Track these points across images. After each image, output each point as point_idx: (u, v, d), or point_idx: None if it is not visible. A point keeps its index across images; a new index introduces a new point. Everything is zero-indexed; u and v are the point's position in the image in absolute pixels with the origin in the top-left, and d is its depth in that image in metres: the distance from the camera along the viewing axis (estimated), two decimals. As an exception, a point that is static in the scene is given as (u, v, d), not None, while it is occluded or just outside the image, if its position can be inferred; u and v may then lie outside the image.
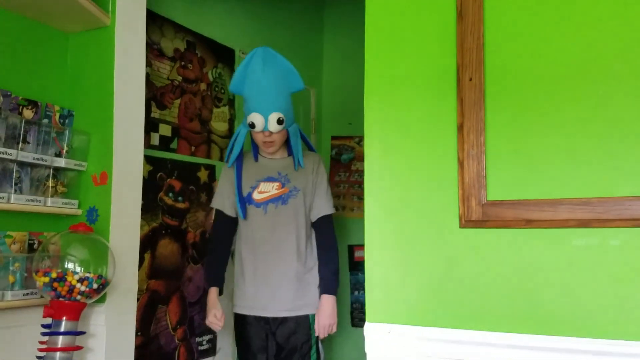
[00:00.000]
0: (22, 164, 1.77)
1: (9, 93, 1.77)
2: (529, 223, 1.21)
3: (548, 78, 1.25)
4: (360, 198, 3.60)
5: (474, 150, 1.29)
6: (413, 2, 1.40)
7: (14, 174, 1.75)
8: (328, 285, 2.21)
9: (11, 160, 1.73)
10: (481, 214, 1.27)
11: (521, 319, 1.21)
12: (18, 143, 1.74)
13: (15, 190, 1.75)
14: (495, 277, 1.25)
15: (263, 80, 2.01)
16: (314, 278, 2.23)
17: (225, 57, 2.98)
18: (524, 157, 1.25)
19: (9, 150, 1.70)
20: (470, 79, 1.30)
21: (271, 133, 2.11)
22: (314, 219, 2.26)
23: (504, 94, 1.28)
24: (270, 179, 2.22)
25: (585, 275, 1.16)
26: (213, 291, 2.23)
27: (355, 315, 3.61)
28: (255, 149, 2.25)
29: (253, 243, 2.21)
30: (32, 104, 1.86)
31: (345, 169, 3.78)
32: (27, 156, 1.76)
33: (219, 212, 2.30)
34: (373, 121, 1.42)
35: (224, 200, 2.27)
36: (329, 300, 2.19)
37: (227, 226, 2.28)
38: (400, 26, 1.41)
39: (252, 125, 2.08)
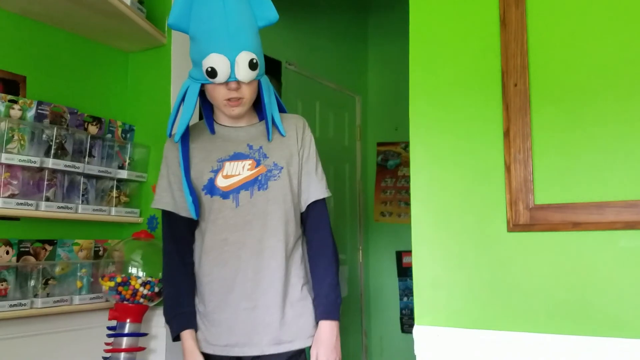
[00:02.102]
0: (88, 177, 1.90)
1: (75, 110, 1.90)
2: (576, 226, 1.22)
3: (593, 81, 1.26)
4: (407, 204, 3.62)
5: (520, 154, 1.31)
6: (456, 10, 1.43)
7: (81, 185, 1.87)
8: (328, 306, 1.54)
9: (78, 173, 1.86)
10: (529, 218, 1.29)
11: (570, 320, 1.22)
12: (84, 157, 1.87)
13: (83, 201, 1.88)
14: (544, 280, 1.26)
15: (224, 5, 1.39)
16: (308, 296, 1.58)
17: (271, 68, 3.07)
18: (570, 161, 1.27)
19: (77, 164, 1.83)
20: (515, 85, 1.32)
21: (239, 84, 1.43)
22: (304, 207, 1.59)
23: (549, 98, 1.30)
24: (238, 156, 1.52)
25: (633, 276, 1.16)
26: (188, 337, 1.51)
27: (405, 322, 3.62)
28: (209, 116, 1.56)
29: (220, 250, 1.51)
30: (97, 120, 1.98)
31: (391, 175, 3.80)
32: (93, 169, 1.89)
33: (169, 216, 1.55)
34: (418, 127, 1.45)
35: (173, 195, 1.54)
36: (330, 328, 1.54)
37: (185, 233, 1.57)
38: (444, 34, 1.45)
39: (212, 73, 1.38)
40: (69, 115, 1.88)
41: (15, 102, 1.71)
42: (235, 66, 1.39)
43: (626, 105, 1.22)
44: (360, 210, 3.85)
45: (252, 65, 1.41)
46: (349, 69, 3.90)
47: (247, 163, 1.52)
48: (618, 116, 1.22)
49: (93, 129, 1.97)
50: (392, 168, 3.81)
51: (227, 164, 1.52)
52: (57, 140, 1.78)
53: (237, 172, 1.51)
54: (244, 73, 1.41)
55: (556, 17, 1.30)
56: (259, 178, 1.51)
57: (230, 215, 1.50)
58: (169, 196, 1.54)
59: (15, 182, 1.69)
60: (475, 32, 1.39)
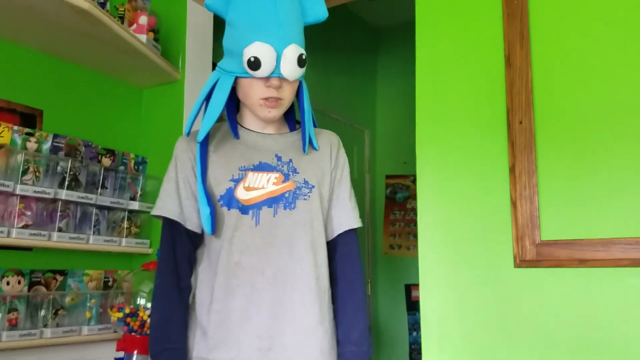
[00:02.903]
0: (100, 208, 1.93)
1: (90, 143, 1.94)
2: (583, 262, 1.23)
3: (598, 119, 1.28)
4: (416, 237, 3.62)
5: (526, 191, 1.32)
6: (462, 50, 1.47)
7: (93, 217, 1.90)
8: (359, 356, 1.29)
9: (91, 204, 1.89)
10: (535, 254, 1.30)
11: (577, 356, 1.21)
12: (97, 188, 1.90)
13: (94, 232, 1.90)
14: (551, 316, 1.26)
15: None
16: (336, 345, 1.31)
17: (283, 102, 3.12)
18: (576, 198, 1.28)
19: (90, 195, 1.86)
20: (520, 122, 1.34)
21: (281, 82, 1.24)
22: (332, 236, 1.36)
23: (554, 136, 1.32)
24: (264, 167, 1.30)
25: (639, 314, 1.16)
26: None
27: (414, 357, 3.58)
28: (233, 116, 1.35)
29: (231, 275, 1.25)
30: (110, 152, 2.03)
31: (400, 208, 3.81)
32: (105, 200, 1.92)
33: (171, 228, 1.30)
34: (425, 163, 1.48)
35: (180, 203, 1.30)
36: None
37: (188, 251, 1.32)
38: (450, 71, 1.48)
39: (254, 65, 1.19)
40: (83, 148, 1.92)
41: (32, 134, 1.76)
42: (282, 60, 1.20)
43: (631, 143, 1.24)
44: (369, 243, 3.84)
45: (301, 62, 1.23)
46: (357, 102, 3.96)
47: (274, 176, 1.29)
48: (623, 154, 1.24)
49: (107, 161, 2.01)
50: (401, 201, 3.82)
51: (250, 174, 1.28)
52: (72, 172, 1.82)
53: (260, 184, 1.29)
54: (291, 69, 1.21)
55: (561, 57, 1.33)
56: (286, 195, 1.28)
57: (247, 235, 1.25)
58: (175, 203, 1.29)
59: (29, 213, 1.72)
60: (481, 70, 1.42)
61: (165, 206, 1.30)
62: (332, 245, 1.36)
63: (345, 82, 3.80)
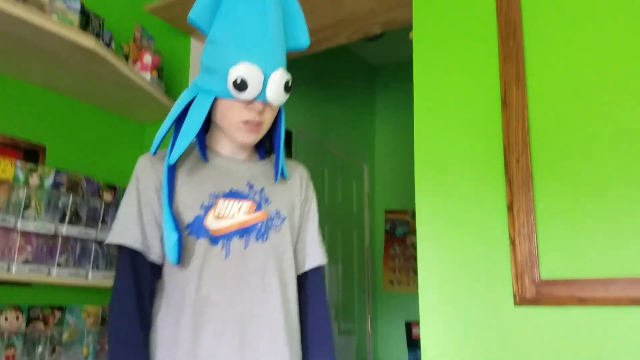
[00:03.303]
0: (100, 243, 1.93)
1: (91, 178, 1.96)
2: (582, 301, 1.23)
3: (595, 157, 1.30)
4: (417, 273, 3.60)
5: (524, 229, 1.33)
6: (459, 89, 1.50)
7: (93, 252, 1.90)
8: None
9: (91, 240, 1.89)
10: (535, 293, 1.30)
11: (580, 399, 1.20)
12: (98, 224, 1.91)
13: (93, 268, 1.90)
14: (551, 355, 1.25)
15: (266, 12, 1.15)
16: None
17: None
18: (574, 236, 1.29)
19: (90, 231, 1.87)
20: (517, 161, 1.36)
21: (265, 106, 1.18)
22: (298, 272, 1.30)
23: (551, 174, 1.34)
24: (235, 195, 1.22)
25: (639, 353, 1.16)
26: None
27: (414, 395, 3.52)
28: (202, 139, 1.26)
29: (199, 311, 1.15)
30: (112, 187, 2.04)
31: (400, 243, 3.81)
32: (105, 235, 1.92)
33: (132, 258, 1.18)
34: (424, 202, 1.49)
35: (142, 229, 1.18)
36: None
37: (151, 284, 1.20)
38: (447, 111, 1.51)
39: (241, 86, 1.12)
40: (85, 183, 1.93)
41: (35, 170, 1.78)
42: (269, 84, 1.14)
43: (629, 181, 1.25)
44: (368, 278, 3.83)
45: (287, 88, 1.17)
46: (357, 137, 4.00)
47: (246, 205, 1.22)
48: (621, 192, 1.25)
49: (108, 196, 2.02)
50: (401, 236, 3.82)
51: (221, 201, 1.20)
52: (72, 208, 1.83)
53: (231, 213, 1.20)
54: (277, 94, 1.16)
55: (557, 97, 1.36)
56: (259, 226, 1.21)
57: (217, 267, 1.17)
58: (136, 229, 1.17)
59: (29, 248, 1.72)
60: (478, 110, 1.45)
61: (126, 233, 1.17)
62: (299, 282, 1.30)
63: (344, 117, 3.85)
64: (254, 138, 1.21)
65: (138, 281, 1.18)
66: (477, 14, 1.49)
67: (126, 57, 1.89)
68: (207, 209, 1.19)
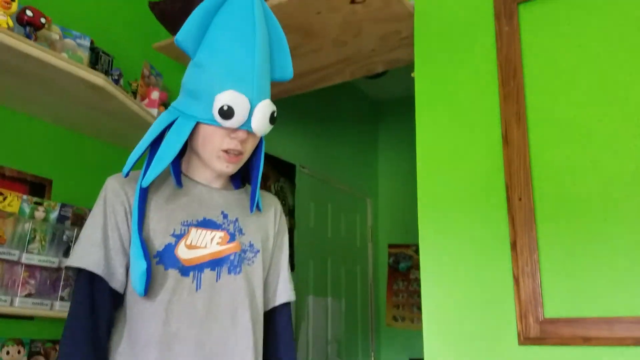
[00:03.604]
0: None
1: (96, 212, 1.97)
2: (587, 341, 1.22)
3: (597, 196, 1.31)
4: (420, 308, 3.57)
5: (528, 267, 1.33)
6: (461, 127, 1.52)
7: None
8: None
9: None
10: (539, 332, 1.29)
11: None
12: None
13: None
14: (557, 397, 1.24)
15: (255, 41, 1.13)
16: None
17: (286, 171, 3.18)
18: (578, 274, 1.28)
19: (93, 264, 1.87)
20: (520, 199, 1.37)
21: (249, 136, 1.15)
22: (266, 307, 1.26)
23: (554, 212, 1.34)
24: (208, 224, 1.17)
25: (645, 397, 1.15)
26: None
27: None
28: (176, 164, 1.20)
29: (166, 348, 1.08)
30: (116, 221, 2.05)
31: (403, 278, 3.78)
32: (109, 269, 1.92)
33: (92, 284, 1.09)
34: (427, 241, 1.49)
35: (106, 254, 1.10)
36: None
37: (109, 314, 1.11)
38: (449, 149, 1.52)
39: (227, 114, 1.09)
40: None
41: (41, 204, 1.79)
42: (255, 113, 1.11)
43: (631, 220, 1.25)
44: (372, 314, 3.79)
45: (272, 119, 1.15)
46: (360, 172, 4.02)
47: (218, 235, 1.16)
48: (624, 231, 1.26)
49: (112, 230, 2.03)
50: (404, 270, 3.80)
51: (193, 230, 1.14)
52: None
53: (203, 243, 1.14)
54: (262, 124, 1.13)
55: (558, 136, 1.38)
56: (231, 258, 1.16)
57: (187, 300, 1.10)
58: (100, 254, 1.09)
59: (32, 282, 1.73)
60: (480, 148, 1.47)
61: (89, 257, 1.09)
62: (269, 318, 1.26)
63: (347, 152, 3.88)
64: (233, 167, 1.17)
65: (95, 310, 1.08)
66: (477, 54, 1.53)
67: (134, 94, 1.92)
68: (179, 237, 1.13)
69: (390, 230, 3.96)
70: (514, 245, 1.35)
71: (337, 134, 3.78)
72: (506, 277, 1.36)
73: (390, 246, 3.92)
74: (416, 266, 3.75)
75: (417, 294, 3.68)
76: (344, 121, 3.88)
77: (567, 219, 1.33)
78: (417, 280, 3.71)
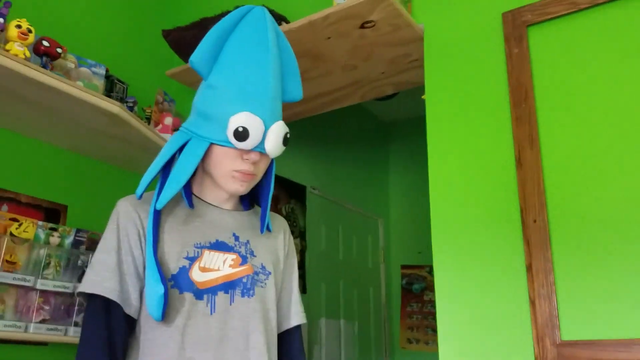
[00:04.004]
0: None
1: (110, 237, 1.99)
2: (606, 365, 1.20)
3: (613, 217, 1.30)
4: (435, 330, 3.53)
5: (544, 289, 1.32)
6: (472, 149, 1.52)
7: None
8: None
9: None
10: (556, 355, 1.27)
11: None
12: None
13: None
14: (577, 423, 1.22)
15: (268, 63, 1.14)
16: None
17: (297, 193, 3.18)
18: (595, 297, 1.27)
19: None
20: (535, 221, 1.36)
21: (261, 157, 1.15)
22: (281, 330, 1.26)
23: (569, 234, 1.33)
24: (220, 246, 1.16)
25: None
26: None
27: None
28: (187, 185, 1.19)
29: None
30: (129, 246, 2.06)
31: (417, 300, 3.75)
32: (122, 295, 1.93)
33: (107, 310, 1.07)
34: (442, 262, 1.49)
35: (120, 279, 1.09)
36: None
37: (124, 341, 1.09)
38: (462, 171, 1.52)
39: (242, 135, 1.09)
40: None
41: (56, 229, 1.81)
42: (268, 135, 1.12)
43: (646, 242, 1.24)
44: (386, 337, 3.75)
45: (285, 141, 1.16)
46: (370, 192, 4.02)
47: (230, 257, 1.15)
48: None
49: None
50: (418, 292, 3.77)
51: (206, 252, 1.13)
52: (91, 266, 1.85)
53: (216, 266, 1.13)
54: (275, 146, 1.13)
55: (572, 157, 1.38)
56: (244, 280, 1.15)
57: (202, 324, 1.08)
58: (114, 280, 1.07)
59: (47, 307, 1.73)
60: (493, 170, 1.47)
61: (103, 283, 1.06)
62: (282, 341, 1.25)
63: (357, 173, 3.88)
64: (246, 187, 1.16)
65: (111, 337, 1.06)
66: (487, 76, 1.53)
67: (148, 120, 1.95)
68: (193, 260, 1.12)
69: (402, 251, 3.93)
70: (529, 268, 1.34)
71: (347, 155, 3.79)
72: (522, 300, 1.35)
73: (403, 267, 3.90)
74: (430, 287, 3.72)
75: (432, 315, 3.64)
76: (354, 142, 3.89)
77: (583, 240, 1.32)
78: (431, 302, 3.67)
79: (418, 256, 3.82)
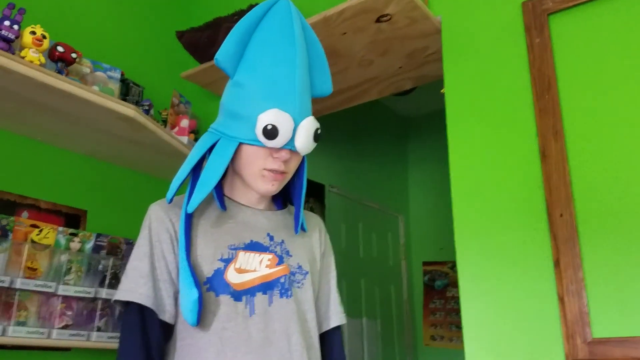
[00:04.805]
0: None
1: (131, 241, 1.98)
2: (641, 363, 1.16)
3: (642, 209, 1.25)
4: (459, 327, 3.48)
5: (573, 285, 1.28)
6: (495, 142, 1.48)
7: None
8: None
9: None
10: (588, 353, 1.23)
11: None
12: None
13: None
14: None
15: (295, 59, 1.10)
16: None
17: (315, 192, 3.16)
18: (627, 291, 1.23)
19: (129, 294, 1.87)
20: (561, 215, 1.32)
21: (292, 155, 1.12)
22: (321, 331, 1.22)
23: (597, 228, 1.29)
24: (255, 247, 1.14)
25: None
26: None
27: None
28: (219, 186, 1.17)
29: None
30: (149, 249, 2.06)
31: (440, 296, 3.71)
32: (144, 298, 1.92)
33: (143, 317, 1.06)
34: (466, 258, 1.45)
35: (154, 285, 1.07)
36: None
37: (161, 348, 1.08)
38: (484, 164, 1.49)
39: (271, 133, 1.06)
40: (124, 245, 1.96)
41: (76, 235, 1.81)
42: (298, 132, 1.08)
43: (679, 234, 1.20)
44: (409, 334, 3.72)
45: (317, 137, 1.12)
46: (390, 188, 3.98)
47: (267, 258, 1.12)
48: (672, 245, 1.20)
49: (146, 258, 2.04)
50: (440, 288, 3.72)
51: (241, 253, 1.10)
52: (112, 270, 1.85)
53: (253, 266, 1.10)
54: (306, 142, 1.09)
55: (597, 148, 1.33)
56: (282, 280, 1.12)
57: (242, 327, 1.05)
58: (148, 286, 1.05)
59: (69, 313, 1.74)
60: (516, 163, 1.43)
61: (137, 289, 1.05)
62: (322, 343, 1.21)
63: (377, 169, 3.85)
64: (277, 186, 1.13)
65: (148, 344, 1.04)
66: (508, 67, 1.49)
67: (164, 122, 1.94)
68: (228, 261, 1.09)
69: (424, 248, 3.89)
70: (557, 264, 1.30)
71: (366, 152, 3.76)
72: (550, 297, 1.31)
73: (425, 264, 3.85)
74: (453, 284, 3.68)
75: (455, 312, 3.59)
76: (372, 139, 3.85)
77: (612, 234, 1.27)
78: (455, 299, 3.63)
79: (440, 252, 3.78)
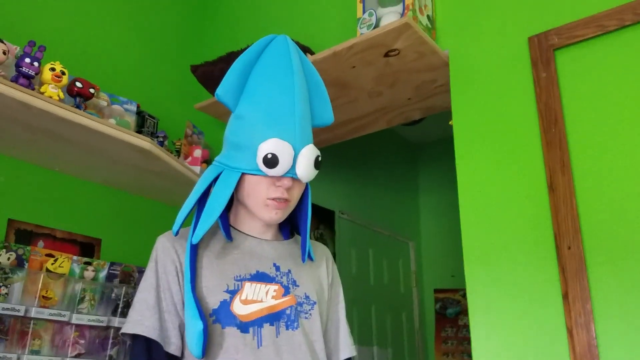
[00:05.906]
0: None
1: (144, 269, 2.01)
2: (652, 399, 1.15)
3: (651, 242, 1.26)
4: (471, 356, 3.45)
5: (581, 318, 1.28)
6: (503, 174, 1.49)
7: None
8: None
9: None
10: (598, 387, 1.23)
11: None
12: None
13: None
14: None
15: (294, 89, 1.12)
16: None
17: (325, 218, 3.18)
18: (635, 324, 1.22)
19: (141, 322, 1.89)
20: (569, 248, 1.33)
21: (294, 183, 1.13)
22: None
23: (606, 260, 1.30)
24: (262, 277, 1.14)
25: None
26: None
27: None
28: (224, 217, 1.18)
29: None
30: (162, 278, 2.08)
31: (452, 324, 3.68)
32: (156, 327, 1.94)
33: (148, 349, 1.06)
34: (475, 289, 1.46)
35: (160, 317, 1.07)
36: None
37: None
38: (492, 196, 1.50)
39: (272, 162, 1.08)
40: (137, 274, 1.98)
41: (90, 263, 1.84)
42: (299, 160, 1.10)
43: (688, 268, 1.20)
44: (420, 362, 3.69)
45: (317, 164, 1.13)
46: (401, 215, 3.99)
47: (273, 288, 1.12)
48: (681, 279, 1.20)
49: (158, 287, 2.06)
50: (452, 316, 3.70)
51: (247, 284, 1.10)
52: (125, 299, 1.87)
53: (259, 297, 1.10)
54: (306, 170, 1.11)
55: (605, 181, 1.34)
56: (288, 312, 1.11)
57: (250, 359, 1.04)
58: (154, 318, 1.06)
59: (82, 341, 1.76)
60: (524, 195, 1.44)
61: (144, 322, 1.05)
62: None
63: (387, 195, 3.86)
64: (281, 215, 1.14)
65: None
66: (515, 100, 1.52)
67: (178, 152, 1.98)
68: (233, 293, 1.09)
69: (435, 275, 3.88)
70: (565, 296, 1.31)
71: (376, 179, 3.78)
72: (559, 329, 1.31)
73: (437, 291, 3.84)
74: (465, 312, 3.65)
75: (467, 340, 3.56)
76: (382, 165, 3.88)
77: (620, 266, 1.27)
78: (467, 327, 3.60)
79: (451, 280, 3.76)
